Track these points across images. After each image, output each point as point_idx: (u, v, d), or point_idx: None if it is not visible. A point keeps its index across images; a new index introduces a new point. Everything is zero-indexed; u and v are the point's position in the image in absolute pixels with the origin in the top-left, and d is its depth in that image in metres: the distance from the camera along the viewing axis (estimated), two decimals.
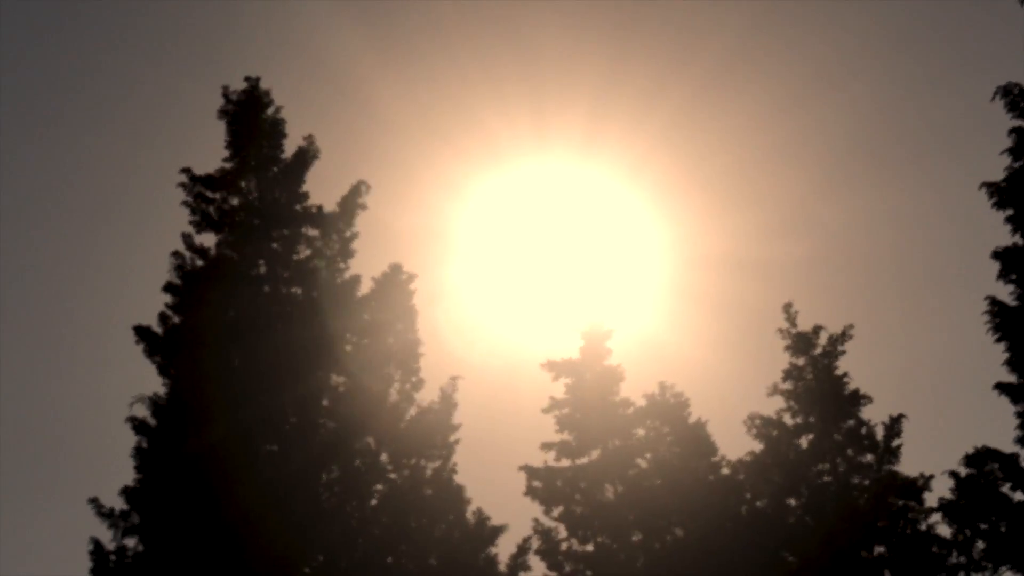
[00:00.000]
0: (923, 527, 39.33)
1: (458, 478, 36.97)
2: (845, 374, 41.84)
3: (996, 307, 36.49)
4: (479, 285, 54.26)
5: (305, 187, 38.55)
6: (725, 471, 41.56)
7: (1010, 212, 36.65)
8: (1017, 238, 36.60)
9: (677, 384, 42.75)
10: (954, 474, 36.55)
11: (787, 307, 42.71)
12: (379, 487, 36.18)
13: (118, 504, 35.19)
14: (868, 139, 69.50)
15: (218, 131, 38.85)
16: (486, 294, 54.19)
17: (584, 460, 42.14)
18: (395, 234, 46.22)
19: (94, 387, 64.07)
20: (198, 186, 38.12)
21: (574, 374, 42.94)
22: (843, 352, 42.05)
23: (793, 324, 42.49)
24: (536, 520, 41.37)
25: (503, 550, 36.80)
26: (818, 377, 41.82)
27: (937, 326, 65.36)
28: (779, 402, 41.92)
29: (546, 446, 42.22)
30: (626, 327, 44.43)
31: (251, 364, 36.15)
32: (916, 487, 39.83)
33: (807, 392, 41.70)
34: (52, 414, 66.69)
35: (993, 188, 36.78)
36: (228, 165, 38.50)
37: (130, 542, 34.98)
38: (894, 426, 40.96)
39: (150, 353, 36.64)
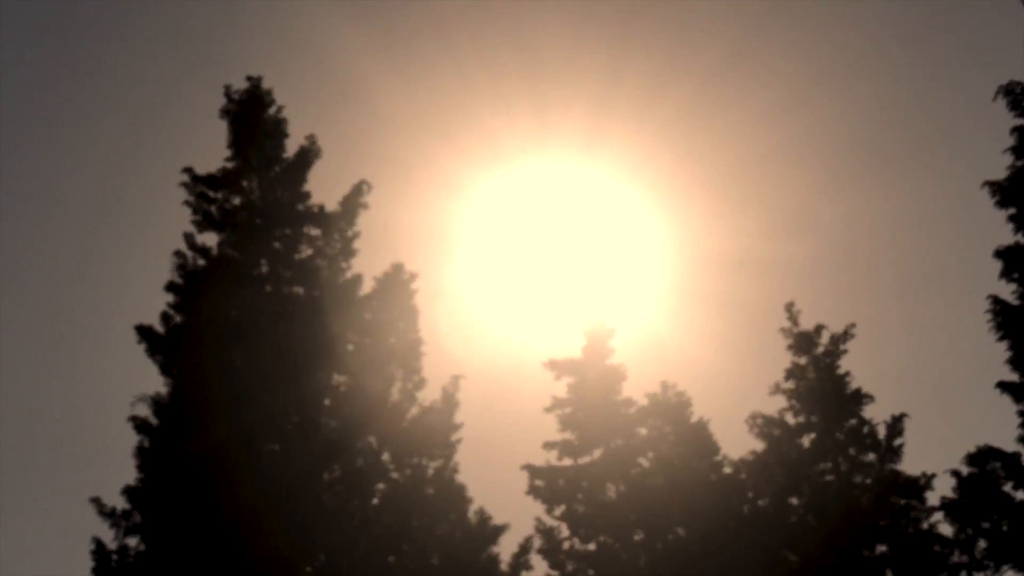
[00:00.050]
0: (925, 526, 39.32)
1: (460, 477, 36.97)
2: (847, 373, 41.86)
3: (998, 306, 36.51)
4: (481, 284, 54.24)
5: (307, 186, 38.55)
6: (727, 470, 41.57)
7: (1012, 211, 36.67)
8: (1019, 237, 36.61)
9: (679, 383, 42.79)
10: (956, 473, 36.54)
11: (789, 306, 42.75)
12: (381, 486, 36.16)
13: (120, 503, 35.23)
14: (870, 138, 69.50)
15: (220, 130, 38.88)
16: (488, 293, 54.17)
17: (586, 459, 42.14)
18: (397, 233, 46.15)
19: (96, 386, 64.11)
20: (200, 185, 38.12)
21: (576, 373, 42.93)
22: (845, 351, 42.07)
23: (795, 323, 42.51)
24: (538, 519, 41.40)
25: (505, 549, 36.84)
26: (820, 376, 41.82)
27: (939, 325, 65.37)
28: (781, 401, 41.97)
29: (548, 445, 42.24)
30: (628, 326, 44.47)
31: (253, 363, 36.15)
32: (918, 486, 39.83)
33: (809, 391, 41.70)
34: (54, 413, 66.74)
35: (995, 187, 36.80)
36: (230, 164, 38.49)
37: (132, 541, 35.02)
38: (896, 425, 40.97)
39: (152, 352, 36.65)
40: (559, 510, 41.55)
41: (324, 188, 38.52)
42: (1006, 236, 36.82)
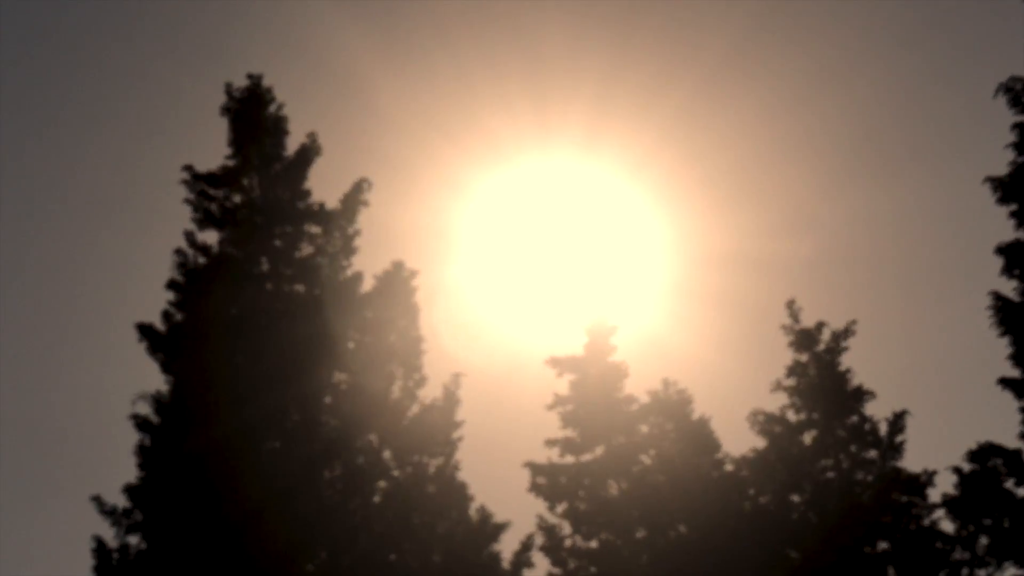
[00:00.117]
0: (926, 523, 39.29)
1: (461, 475, 36.97)
2: (848, 370, 41.85)
3: (1000, 302, 36.49)
4: (482, 282, 54.22)
5: (307, 184, 38.53)
6: (728, 468, 41.57)
7: (1014, 207, 36.65)
8: (1020, 233, 36.57)
9: (680, 381, 42.81)
10: (957, 470, 36.50)
11: (790, 303, 42.74)
12: (382, 484, 36.14)
13: (120, 502, 35.22)
14: (871, 136, 69.44)
15: (220, 128, 38.86)
16: (489, 291, 54.15)
17: (588, 457, 42.15)
18: (397, 231, 46.19)
19: (97, 385, 64.06)
20: (200, 183, 38.11)
21: (578, 370, 42.93)
22: (846, 348, 42.08)
23: (796, 320, 42.51)
24: (540, 517, 41.39)
25: (506, 547, 36.83)
26: (821, 373, 41.82)
27: (940, 322, 65.34)
28: (782, 398, 41.98)
29: (550, 443, 42.24)
30: (629, 324, 44.46)
31: (254, 362, 36.14)
32: (919, 483, 39.80)
33: (810, 388, 41.70)
34: (55, 411, 66.72)
35: (996, 183, 36.79)
36: (230, 162, 38.48)
37: (133, 540, 35.00)
38: (897, 422, 40.97)
39: (153, 350, 36.64)
40: (561, 507, 41.55)
41: (325, 186, 38.56)
42: (1007, 232, 36.83)
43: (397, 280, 37.67)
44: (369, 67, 61.53)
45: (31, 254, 70.18)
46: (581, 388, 42.67)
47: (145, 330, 36.67)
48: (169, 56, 67.95)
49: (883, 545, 39.45)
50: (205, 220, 37.91)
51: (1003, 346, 36.54)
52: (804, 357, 42.13)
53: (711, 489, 41.02)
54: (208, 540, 34.22)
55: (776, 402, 41.85)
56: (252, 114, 38.67)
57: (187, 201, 38.01)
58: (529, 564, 37.10)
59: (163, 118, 69.66)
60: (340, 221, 37.98)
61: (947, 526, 38.16)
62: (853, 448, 40.90)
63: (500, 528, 36.61)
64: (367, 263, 38.00)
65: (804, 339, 42.23)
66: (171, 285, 37.19)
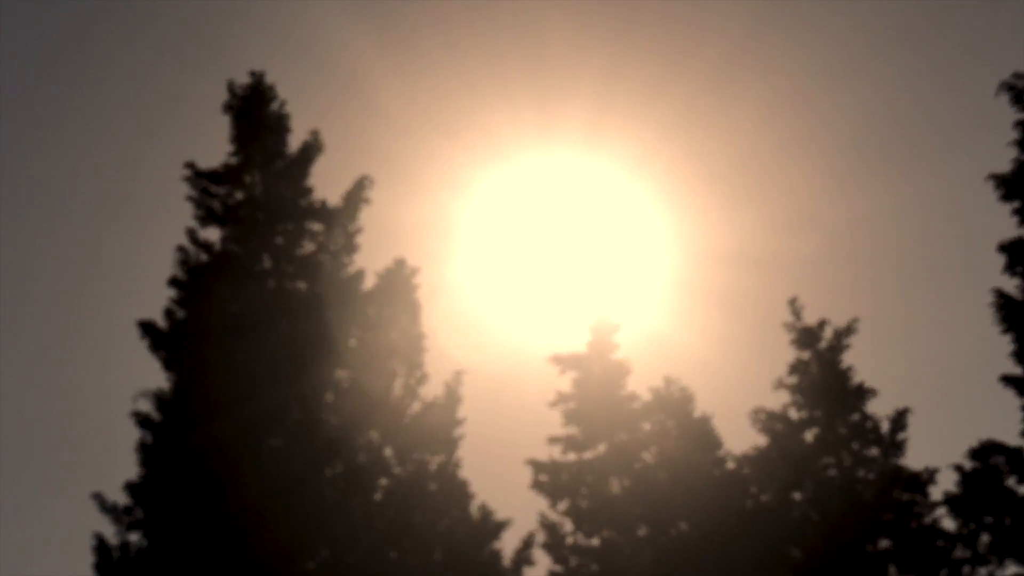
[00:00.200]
0: (928, 521, 39.27)
1: (462, 473, 36.98)
2: (850, 368, 41.80)
3: (1002, 299, 36.53)
4: (483, 279, 54.19)
5: (309, 182, 38.51)
6: (730, 465, 41.55)
7: (1016, 204, 36.69)
8: (1023, 230, 36.60)
9: (682, 378, 42.79)
10: (959, 468, 36.52)
11: (792, 301, 42.71)
12: (383, 482, 36.12)
13: (121, 499, 35.21)
14: (874, 134, 69.37)
15: (223, 126, 38.85)
16: (490, 288, 54.12)
17: (590, 454, 42.16)
18: (399, 229, 46.17)
19: (98, 382, 64.01)
20: (202, 180, 38.10)
21: (581, 368, 42.94)
22: (848, 346, 42.02)
23: (798, 318, 42.48)
24: (541, 514, 41.39)
25: (507, 545, 36.83)
26: (823, 371, 41.79)
27: (943, 319, 65.31)
28: (784, 396, 41.93)
29: (552, 440, 42.25)
30: (631, 322, 44.45)
31: (255, 359, 36.12)
32: (921, 481, 39.78)
33: (812, 386, 41.66)
34: (55, 409, 66.68)
35: (1000, 180, 36.83)
36: (233, 160, 38.47)
37: (134, 537, 34.98)
38: (899, 420, 40.93)
39: (154, 348, 36.62)
40: (563, 505, 41.56)
41: (327, 183, 38.55)
42: (1009, 230, 36.86)
43: (399, 278, 37.68)
44: (371, 65, 61.54)
45: (32, 251, 70.21)
46: (583, 386, 42.68)
47: (146, 327, 36.66)
48: (171, 53, 67.99)
49: (884, 543, 39.43)
50: (207, 217, 37.91)
51: (1005, 344, 36.60)
52: (806, 355, 42.11)
53: (713, 487, 41.01)
54: (209, 538, 34.22)
55: (778, 400, 41.89)
56: (254, 111, 38.67)
57: (189, 198, 38.02)
58: (530, 562, 37.09)
59: (165, 115, 69.66)
60: (342, 219, 37.97)
61: (949, 524, 38.22)
62: (855, 446, 40.87)
63: (501, 526, 36.61)
64: (369, 261, 38.04)
65: (806, 337, 42.20)
66: (173, 282, 37.17)
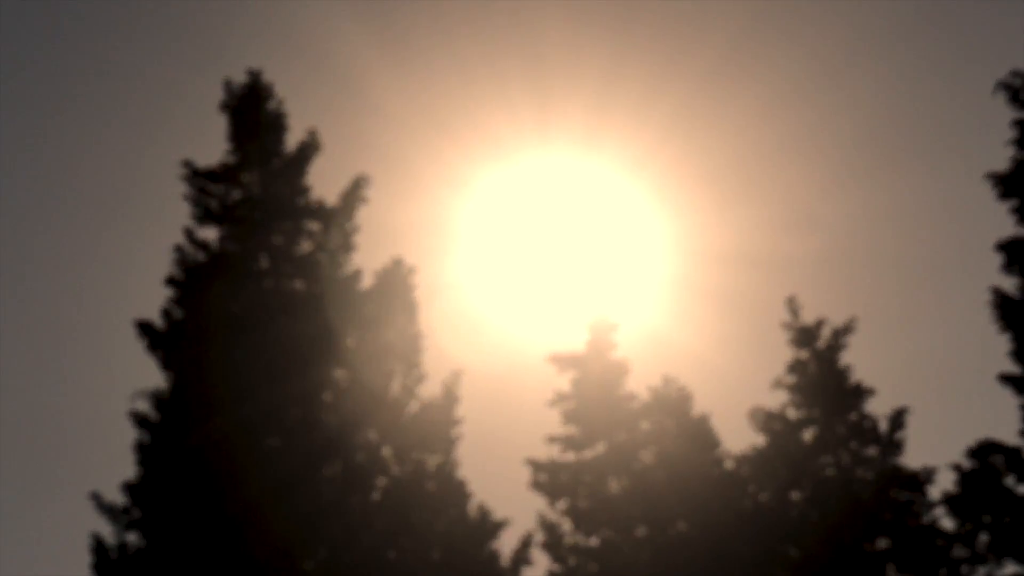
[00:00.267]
0: (926, 520, 39.28)
1: (460, 472, 36.95)
2: (848, 367, 41.82)
3: (1000, 298, 36.54)
4: (481, 278, 54.20)
5: (307, 181, 38.47)
6: (728, 465, 41.55)
7: (1014, 203, 36.70)
8: (1021, 229, 36.65)
9: (680, 378, 42.81)
10: (957, 467, 36.53)
11: (790, 300, 42.71)
12: (381, 481, 36.08)
13: (119, 499, 35.16)
14: (872, 133, 69.43)
15: (220, 125, 38.81)
16: (489, 288, 54.13)
17: (589, 453, 42.15)
18: (396, 228, 46.17)
19: (95, 381, 64.09)
20: (200, 180, 38.06)
21: (579, 367, 42.93)
22: (846, 345, 42.04)
23: (796, 317, 42.48)
24: (540, 514, 41.39)
25: (505, 545, 36.80)
26: (821, 370, 41.79)
27: (941, 318, 65.34)
28: (782, 396, 41.95)
29: (551, 440, 42.24)
30: (629, 321, 44.46)
31: (253, 358, 36.08)
32: (919, 480, 39.79)
33: (810, 386, 41.67)
34: (53, 408, 66.71)
35: (997, 179, 36.85)
36: (230, 159, 38.42)
37: (131, 537, 34.93)
38: (897, 419, 40.94)
39: (152, 347, 36.58)
40: (561, 504, 41.56)
41: (324, 182, 38.50)
42: (1007, 228, 36.88)
43: (396, 277, 37.65)
44: (369, 63, 61.52)
45: (30, 251, 70.19)
46: (582, 385, 42.67)
47: (144, 327, 36.61)
48: (169, 52, 67.98)
49: (883, 542, 39.43)
50: (204, 216, 37.87)
51: (1003, 342, 36.63)
52: (804, 354, 42.11)
53: (711, 486, 41.01)
54: (207, 538, 34.18)
55: (776, 399, 41.90)
56: (252, 110, 38.63)
57: (186, 197, 37.97)
58: (528, 561, 37.04)
59: (162, 114, 69.65)
60: (339, 218, 37.94)
61: (947, 523, 38.23)
62: (853, 445, 40.87)
63: (499, 525, 36.58)
64: (366, 260, 38.00)
65: (804, 336, 42.20)
66: (170, 282, 37.13)
